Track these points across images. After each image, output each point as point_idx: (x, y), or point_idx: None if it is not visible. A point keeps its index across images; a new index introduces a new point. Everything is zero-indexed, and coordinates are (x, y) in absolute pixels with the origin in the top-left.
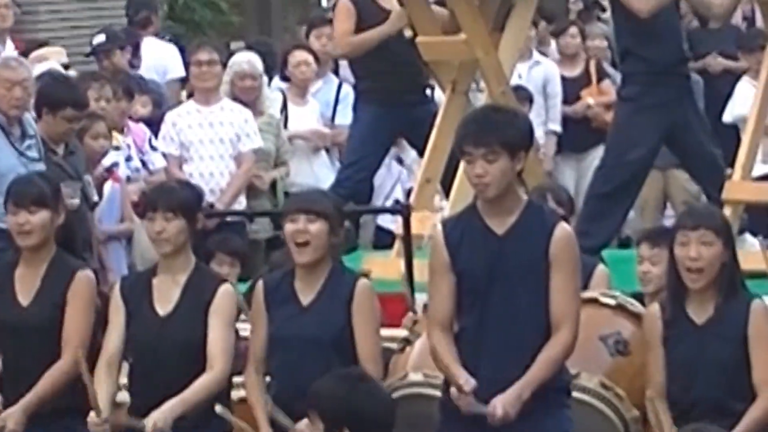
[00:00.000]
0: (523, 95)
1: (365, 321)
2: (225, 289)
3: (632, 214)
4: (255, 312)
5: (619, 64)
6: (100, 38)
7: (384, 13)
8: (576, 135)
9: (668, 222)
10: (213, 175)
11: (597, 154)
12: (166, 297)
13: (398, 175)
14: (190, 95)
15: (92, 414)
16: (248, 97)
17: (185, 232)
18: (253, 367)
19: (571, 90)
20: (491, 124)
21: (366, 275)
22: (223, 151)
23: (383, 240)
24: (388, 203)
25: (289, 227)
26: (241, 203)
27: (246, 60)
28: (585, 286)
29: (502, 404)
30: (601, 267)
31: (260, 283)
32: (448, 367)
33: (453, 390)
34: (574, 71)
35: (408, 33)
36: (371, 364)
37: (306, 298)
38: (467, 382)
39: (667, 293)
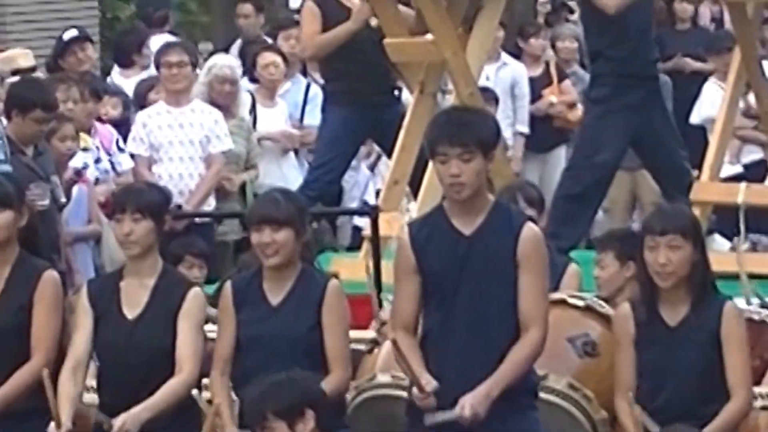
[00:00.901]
0: (489, 96)
1: (335, 322)
2: (194, 293)
3: (601, 216)
4: (222, 313)
5: (589, 65)
6: (72, 33)
7: (348, 12)
8: (539, 135)
9: (636, 225)
10: (182, 176)
11: (561, 154)
12: (134, 300)
13: (370, 176)
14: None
15: (53, 425)
16: (225, 101)
17: (153, 234)
18: (218, 367)
19: (533, 89)
20: (466, 124)
21: (334, 277)
22: (192, 153)
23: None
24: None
25: (255, 237)
26: (210, 205)
27: (227, 65)
28: (556, 286)
29: (470, 404)
30: (572, 266)
31: (228, 284)
32: (410, 367)
33: (415, 390)
34: (536, 71)
35: (374, 22)
36: (340, 365)
37: (275, 298)
38: (429, 382)
39: (640, 294)
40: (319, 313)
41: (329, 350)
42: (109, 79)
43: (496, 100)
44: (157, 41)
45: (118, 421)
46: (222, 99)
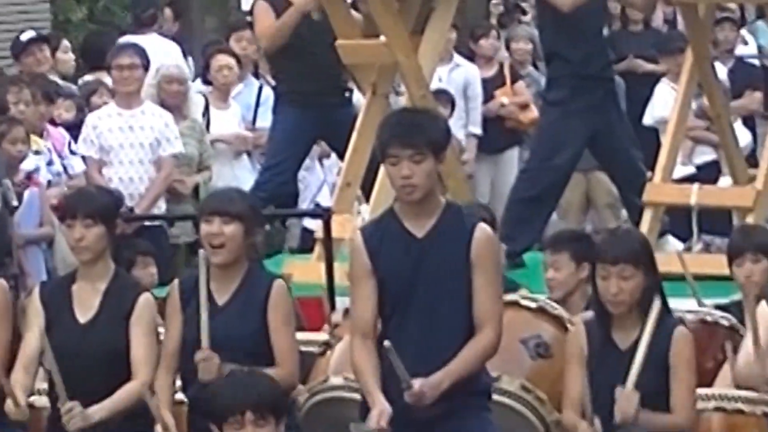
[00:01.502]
0: (445, 98)
1: (281, 322)
2: (144, 297)
3: (555, 217)
4: (169, 310)
5: (545, 67)
6: (30, 34)
7: None
8: (492, 136)
9: (590, 226)
10: (132, 180)
11: (513, 155)
12: (86, 304)
13: (324, 177)
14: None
15: (9, 402)
16: (175, 101)
17: (104, 239)
18: (164, 365)
19: (486, 90)
20: (417, 126)
21: (287, 279)
22: (143, 156)
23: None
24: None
25: (204, 228)
26: (161, 208)
27: (174, 64)
28: None
29: (420, 384)
30: (523, 290)
31: (175, 283)
32: (367, 388)
33: (371, 416)
34: (489, 72)
35: (316, 16)
36: (287, 364)
37: (221, 298)
38: (382, 414)
39: (594, 317)
40: (265, 312)
41: (276, 349)
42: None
43: (452, 102)
44: (146, 41)
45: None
46: (171, 99)
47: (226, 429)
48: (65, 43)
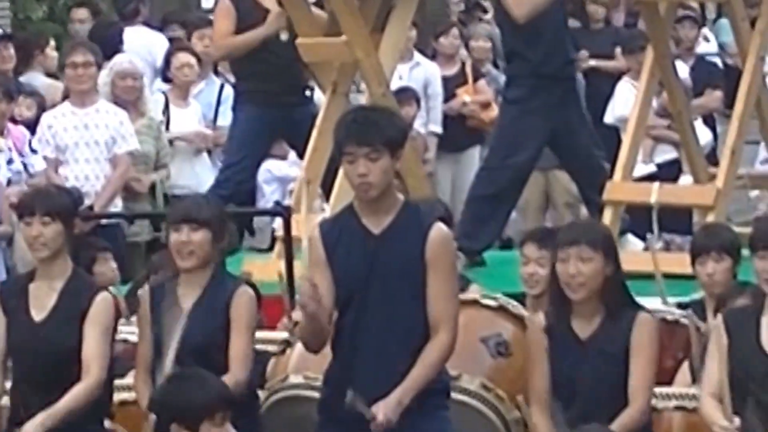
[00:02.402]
0: (410, 96)
1: (240, 325)
2: (101, 297)
3: (514, 216)
4: (140, 319)
5: (504, 65)
6: None
7: (264, 12)
8: (453, 135)
9: (549, 225)
10: (88, 178)
11: (474, 154)
12: (41, 303)
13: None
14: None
15: None
16: (129, 97)
17: (62, 236)
18: (140, 373)
19: (447, 89)
20: (373, 123)
21: (248, 278)
22: (98, 154)
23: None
24: None
25: (173, 237)
26: (117, 206)
27: (127, 60)
28: None
29: (383, 411)
30: (474, 286)
31: (146, 288)
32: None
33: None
34: (451, 70)
35: (284, 36)
36: (238, 366)
37: (187, 303)
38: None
39: (551, 308)
40: (227, 316)
41: (231, 351)
42: None
43: (417, 100)
44: (130, 33)
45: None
46: (126, 95)
47: (205, 427)
48: (52, 42)
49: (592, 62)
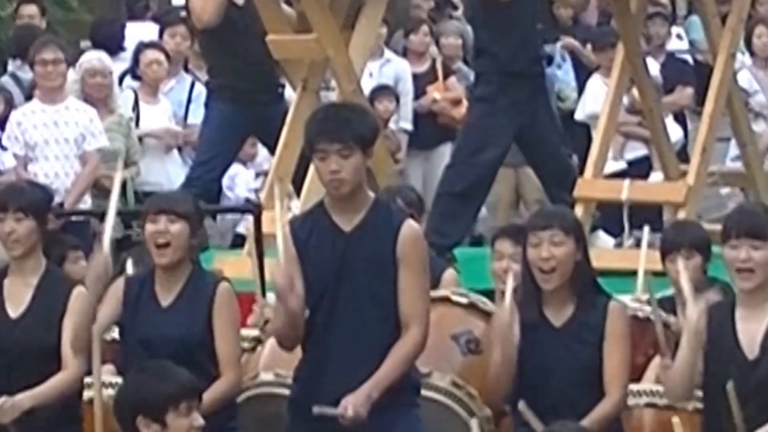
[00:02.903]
0: (389, 93)
1: (225, 324)
2: (78, 291)
3: (485, 212)
4: (109, 296)
5: (472, 62)
6: None
7: None
8: (423, 132)
9: (520, 221)
10: (58, 175)
11: (445, 151)
12: (17, 299)
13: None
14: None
15: None
16: (99, 95)
17: (36, 233)
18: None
19: (418, 86)
20: (345, 120)
21: (219, 274)
22: (68, 151)
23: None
24: None
25: (149, 228)
26: (86, 203)
27: (96, 57)
28: (434, 288)
29: (352, 405)
30: (450, 271)
31: (121, 280)
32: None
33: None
34: (421, 67)
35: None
36: (230, 366)
37: (166, 300)
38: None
39: (523, 296)
40: (210, 315)
41: (220, 353)
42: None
43: (396, 98)
44: (137, 29)
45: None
46: (96, 92)
47: (171, 417)
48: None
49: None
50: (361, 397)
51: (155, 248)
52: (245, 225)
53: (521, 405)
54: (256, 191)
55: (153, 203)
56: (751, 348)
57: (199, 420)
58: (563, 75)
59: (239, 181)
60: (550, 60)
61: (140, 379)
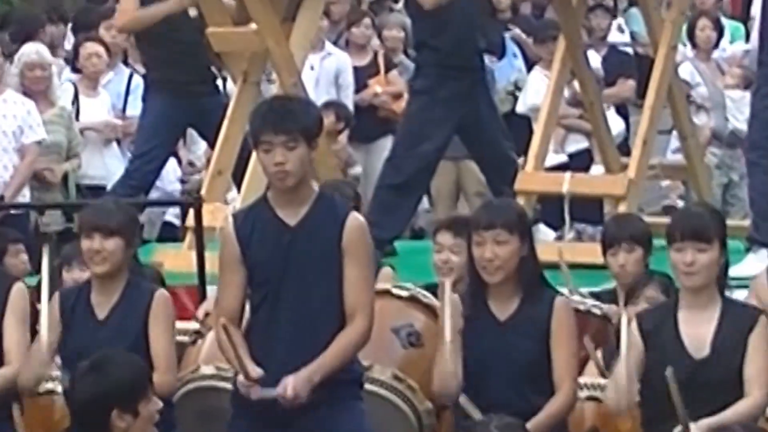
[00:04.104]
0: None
1: (161, 331)
2: (18, 288)
3: (426, 205)
4: (52, 316)
5: (413, 54)
6: None
7: None
8: (364, 125)
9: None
10: None
11: (385, 144)
12: None
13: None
14: None
15: None
16: (38, 87)
17: None
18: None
19: (359, 79)
20: (290, 112)
21: (158, 268)
22: (6, 144)
23: (168, 233)
24: None
25: (85, 244)
26: (25, 196)
27: (34, 50)
28: None
29: (292, 385)
30: (386, 269)
31: (56, 296)
32: (237, 353)
33: (240, 378)
34: (362, 61)
35: (193, 12)
36: (166, 373)
37: (102, 311)
38: (254, 370)
39: (467, 289)
40: (146, 325)
41: (153, 355)
42: None
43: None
44: None
45: None
46: (35, 85)
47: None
48: None
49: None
50: (302, 378)
51: (91, 261)
52: (173, 213)
53: (462, 398)
54: (182, 181)
55: (86, 219)
56: (697, 348)
57: (158, 403)
58: (520, 65)
59: (163, 173)
60: (503, 53)
61: (105, 373)
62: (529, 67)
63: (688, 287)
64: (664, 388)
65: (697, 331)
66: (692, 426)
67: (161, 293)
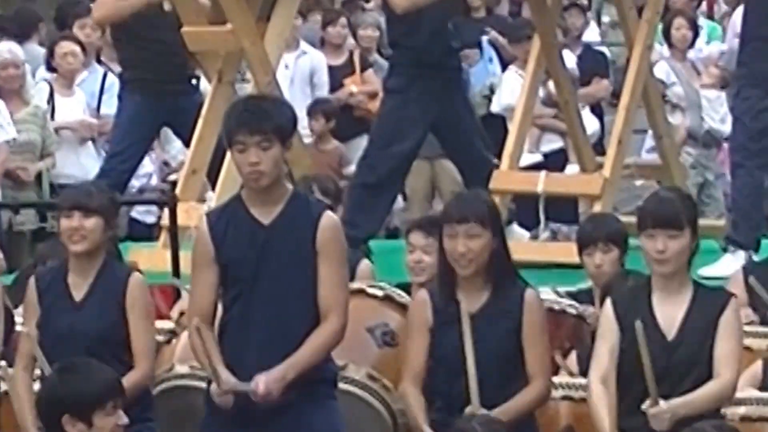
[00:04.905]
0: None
1: (139, 315)
2: None
3: (401, 205)
4: (26, 307)
5: (388, 53)
6: None
7: None
8: (340, 124)
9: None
10: None
11: (360, 144)
12: None
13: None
14: None
15: None
16: (12, 86)
17: None
18: (21, 363)
19: (335, 78)
20: (264, 112)
21: (134, 267)
22: None
23: (138, 231)
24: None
25: (63, 223)
26: None
27: (7, 49)
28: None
29: (264, 381)
30: (365, 261)
31: (32, 279)
32: (210, 360)
33: (213, 387)
34: (338, 60)
35: (167, 6)
36: (145, 359)
37: (79, 293)
38: (226, 380)
39: (438, 282)
40: (123, 307)
41: (133, 345)
42: None
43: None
44: None
45: None
46: (8, 84)
47: (98, 416)
48: None
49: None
50: (274, 376)
51: (69, 240)
52: (138, 210)
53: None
54: (150, 176)
55: (66, 198)
56: (669, 329)
57: (123, 418)
58: (495, 69)
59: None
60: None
61: (67, 378)
62: (504, 67)
63: (659, 273)
64: (639, 369)
65: (670, 313)
66: (661, 401)
67: (136, 276)
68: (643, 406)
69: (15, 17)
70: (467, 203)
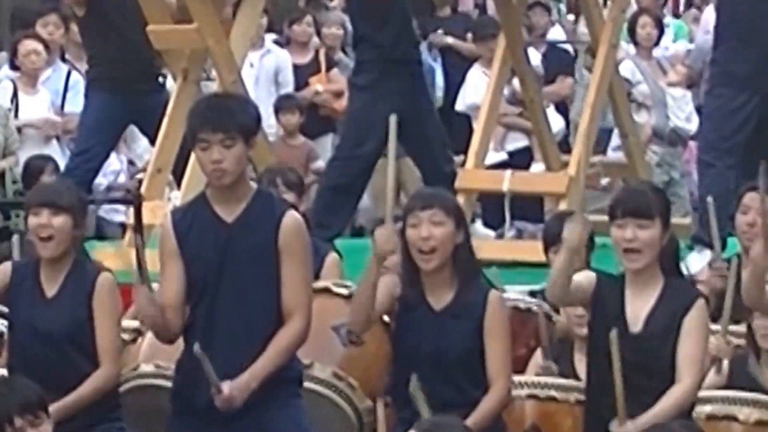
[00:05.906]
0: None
1: (105, 315)
2: None
3: (367, 203)
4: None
5: (353, 51)
6: None
7: None
8: (305, 123)
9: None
10: None
11: (326, 143)
12: None
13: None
14: None
15: None
16: None
17: None
18: None
19: (300, 77)
20: (227, 110)
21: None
22: None
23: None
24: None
25: (32, 221)
26: None
27: None
28: (317, 273)
29: (228, 390)
30: (332, 254)
31: (8, 266)
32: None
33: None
34: (303, 59)
35: None
36: (109, 358)
37: (50, 290)
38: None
39: (402, 278)
40: (90, 306)
41: (99, 344)
42: None
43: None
44: None
45: None
46: None
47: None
48: None
49: (449, 39)
50: (238, 384)
51: (39, 240)
52: (105, 209)
53: (413, 384)
54: (116, 174)
55: (35, 196)
56: (635, 322)
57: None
58: (439, 81)
59: None
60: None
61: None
62: (469, 65)
63: (630, 269)
64: (607, 363)
65: (638, 307)
66: (628, 422)
67: (105, 276)
68: (611, 427)
69: None
70: (431, 193)
